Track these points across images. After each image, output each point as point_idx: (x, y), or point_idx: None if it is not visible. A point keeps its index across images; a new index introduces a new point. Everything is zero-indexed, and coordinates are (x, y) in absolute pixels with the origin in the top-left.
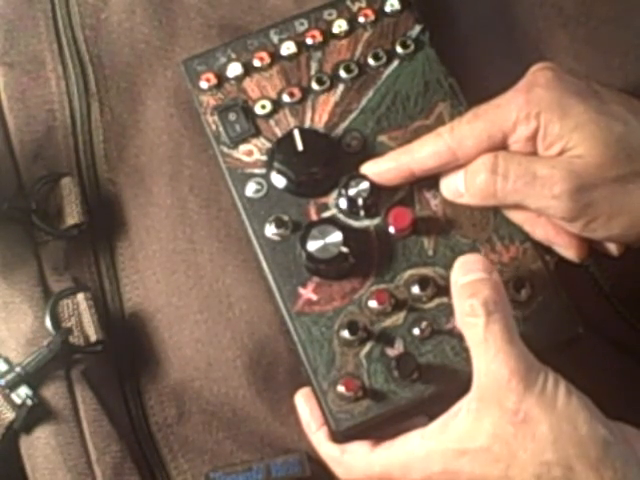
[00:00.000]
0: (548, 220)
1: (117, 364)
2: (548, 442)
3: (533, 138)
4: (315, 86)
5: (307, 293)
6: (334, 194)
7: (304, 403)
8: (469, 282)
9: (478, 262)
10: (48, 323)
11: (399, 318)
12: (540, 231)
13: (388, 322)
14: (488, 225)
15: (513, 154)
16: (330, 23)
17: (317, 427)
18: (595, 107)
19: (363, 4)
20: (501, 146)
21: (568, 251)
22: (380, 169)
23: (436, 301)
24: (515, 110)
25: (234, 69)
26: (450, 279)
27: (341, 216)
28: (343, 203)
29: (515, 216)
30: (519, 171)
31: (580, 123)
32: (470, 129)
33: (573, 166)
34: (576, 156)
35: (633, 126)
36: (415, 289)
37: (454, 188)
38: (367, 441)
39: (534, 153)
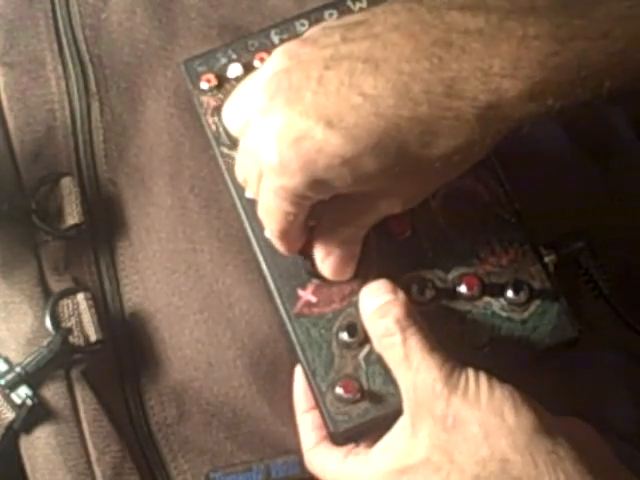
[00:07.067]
0: None
1: (117, 364)
2: (480, 439)
3: None
4: None
5: (306, 295)
6: None
7: (302, 379)
8: (378, 307)
9: (381, 286)
10: (48, 323)
11: None
12: None
13: None
14: (487, 227)
15: None
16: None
17: (306, 408)
18: None
19: (364, 4)
20: None
21: None
22: None
23: (435, 303)
24: None
25: (235, 70)
26: (447, 283)
27: None
28: None
29: None
30: None
31: None
32: None
33: None
34: None
35: None
36: (414, 291)
37: None
38: (338, 447)
39: None
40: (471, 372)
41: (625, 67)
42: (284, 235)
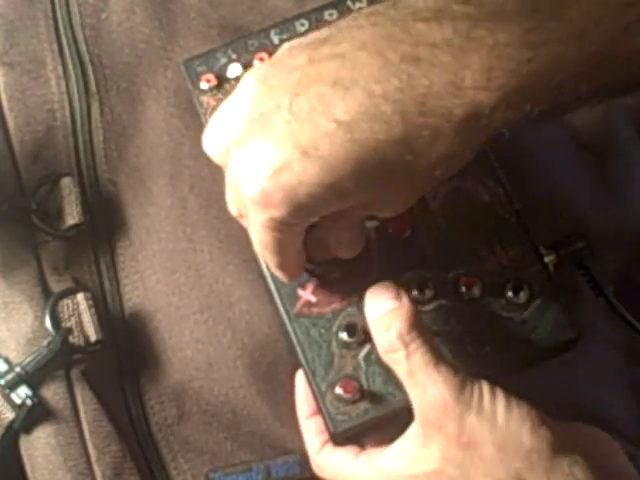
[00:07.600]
0: None
1: (117, 364)
2: (496, 461)
3: None
4: None
5: (306, 295)
6: None
7: (304, 383)
8: (381, 316)
9: (385, 291)
10: (48, 323)
11: None
12: None
13: None
14: (488, 227)
15: None
16: (331, 24)
17: (309, 414)
18: None
19: (364, 4)
20: None
21: None
22: None
23: (435, 303)
24: None
25: (234, 70)
26: (447, 283)
27: None
28: None
29: None
30: None
31: None
32: None
33: None
34: None
35: None
36: (414, 291)
37: None
38: (346, 447)
39: None
40: (486, 387)
41: (603, 69)
42: (286, 263)
